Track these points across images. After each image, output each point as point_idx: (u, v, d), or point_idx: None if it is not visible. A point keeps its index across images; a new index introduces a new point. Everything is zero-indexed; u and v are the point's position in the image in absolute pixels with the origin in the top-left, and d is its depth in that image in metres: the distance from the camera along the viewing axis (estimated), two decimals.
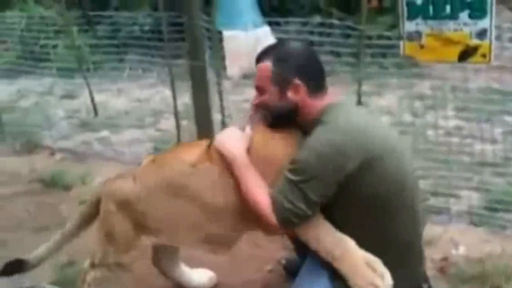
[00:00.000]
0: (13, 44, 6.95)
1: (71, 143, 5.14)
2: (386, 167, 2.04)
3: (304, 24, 5.05)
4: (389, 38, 3.67)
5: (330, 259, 2.07)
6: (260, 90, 2.23)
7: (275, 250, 3.09)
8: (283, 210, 2.05)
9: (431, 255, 2.89)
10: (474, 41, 2.83)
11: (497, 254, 2.93)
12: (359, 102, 3.54)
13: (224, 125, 3.95)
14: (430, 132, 4.33)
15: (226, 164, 2.23)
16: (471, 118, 4.22)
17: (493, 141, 4.01)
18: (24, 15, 6.83)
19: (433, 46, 2.96)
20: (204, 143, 2.41)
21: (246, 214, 2.20)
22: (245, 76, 6.48)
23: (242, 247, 2.86)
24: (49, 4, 7.42)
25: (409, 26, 2.99)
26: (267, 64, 2.18)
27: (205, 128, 3.90)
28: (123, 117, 5.73)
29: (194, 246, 2.48)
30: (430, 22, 2.92)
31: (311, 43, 4.37)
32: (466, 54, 2.88)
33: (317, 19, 6.31)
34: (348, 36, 4.59)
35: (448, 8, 2.84)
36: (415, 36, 2.99)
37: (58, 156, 4.88)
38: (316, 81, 2.18)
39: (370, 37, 3.74)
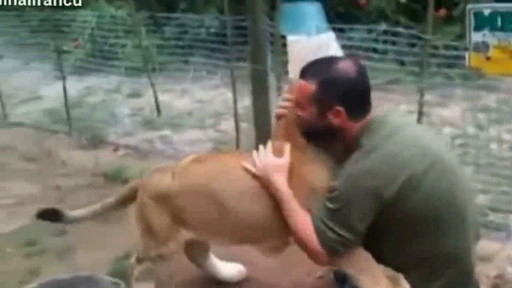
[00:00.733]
0: (84, 42, 7.20)
1: (134, 140, 5.27)
2: (429, 184, 1.99)
3: (370, 31, 5.02)
4: (455, 48, 3.60)
5: None
6: (299, 105, 2.19)
7: None
8: (327, 239, 2.06)
9: (487, 272, 2.83)
10: None
11: None
12: (420, 113, 3.48)
13: None
14: (493, 146, 4.21)
15: (270, 192, 2.23)
16: None
17: None
18: (95, 14, 7.05)
19: (499, 58, 2.88)
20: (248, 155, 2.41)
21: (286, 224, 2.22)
22: None
23: (296, 250, 2.87)
24: (120, 4, 7.63)
25: (475, 37, 2.92)
26: (311, 86, 2.12)
27: (263, 131, 3.92)
28: (185, 117, 5.83)
29: (234, 245, 2.52)
30: (497, 33, 2.84)
31: (374, 50, 4.35)
32: None
33: (383, 26, 6.26)
34: (413, 45, 4.53)
35: None
36: (481, 48, 2.92)
37: (121, 152, 5.02)
38: (359, 106, 2.12)
39: (435, 47, 3.67)
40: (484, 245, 2.54)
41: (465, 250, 2.14)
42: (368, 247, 2.14)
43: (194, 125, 5.59)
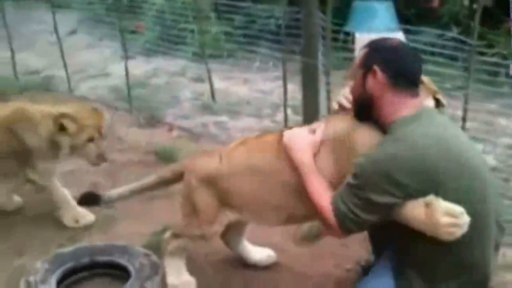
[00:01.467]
0: (153, 25, 7.35)
1: (190, 123, 5.37)
2: (455, 193, 1.97)
3: (440, 36, 4.92)
4: (505, 57, 3.53)
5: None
6: (353, 75, 2.26)
7: (359, 251, 3.06)
8: (340, 214, 2.09)
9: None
10: None
11: None
12: (464, 119, 3.46)
13: None
14: None
15: (293, 165, 2.28)
16: None
17: None
18: None
19: None
20: None
21: None
22: None
23: (328, 242, 2.89)
24: None
25: None
26: (364, 50, 2.23)
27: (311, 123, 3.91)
28: (243, 105, 5.88)
29: (277, 225, 2.61)
30: None
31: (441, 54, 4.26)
32: None
33: (454, 31, 6.07)
34: (483, 53, 4.38)
35: None
36: None
37: (175, 133, 5.12)
38: (399, 75, 2.13)
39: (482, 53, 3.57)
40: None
41: (480, 259, 2.10)
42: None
43: (251, 113, 5.63)
